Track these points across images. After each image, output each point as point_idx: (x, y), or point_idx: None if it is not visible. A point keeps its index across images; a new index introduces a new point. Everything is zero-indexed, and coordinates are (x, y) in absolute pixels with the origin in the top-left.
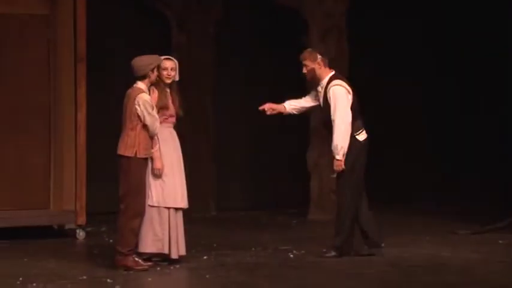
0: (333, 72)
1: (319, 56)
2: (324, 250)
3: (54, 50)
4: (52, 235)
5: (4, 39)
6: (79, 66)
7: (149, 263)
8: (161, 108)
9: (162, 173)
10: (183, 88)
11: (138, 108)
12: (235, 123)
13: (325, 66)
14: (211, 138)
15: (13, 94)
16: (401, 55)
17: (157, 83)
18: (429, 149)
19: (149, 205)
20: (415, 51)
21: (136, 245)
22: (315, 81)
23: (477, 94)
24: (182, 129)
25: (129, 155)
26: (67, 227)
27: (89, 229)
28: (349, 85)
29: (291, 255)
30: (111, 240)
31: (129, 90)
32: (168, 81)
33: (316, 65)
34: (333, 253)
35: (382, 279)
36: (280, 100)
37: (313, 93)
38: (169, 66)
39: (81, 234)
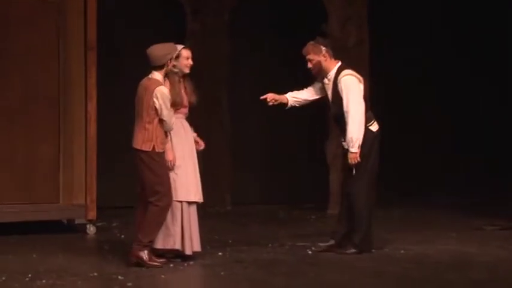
0: (340, 63)
1: (323, 48)
2: (321, 244)
3: (63, 37)
4: (61, 230)
5: (12, 26)
6: (89, 54)
7: (162, 260)
8: (175, 100)
9: (174, 165)
10: (196, 78)
11: (157, 102)
12: (251, 114)
13: (330, 58)
14: (226, 130)
15: (21, 83)
16: (422, 43)
17: (171, 73)
18: (455, 141)
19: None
20: (436, 40)
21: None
22: (321, 74)
23: (505, 85)
24: (195, 120)
25: (147, 149)
26: (77, 221)
27: (99, 224)
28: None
29: (309, 252)
30: (122, 236)
31: (145, 81)
32: (188, 70)
33: (321, 57)
34: (353, 250)
35: (404, 276)
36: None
37: (317, 85)
38: (189, 55)
39: (91, 229)
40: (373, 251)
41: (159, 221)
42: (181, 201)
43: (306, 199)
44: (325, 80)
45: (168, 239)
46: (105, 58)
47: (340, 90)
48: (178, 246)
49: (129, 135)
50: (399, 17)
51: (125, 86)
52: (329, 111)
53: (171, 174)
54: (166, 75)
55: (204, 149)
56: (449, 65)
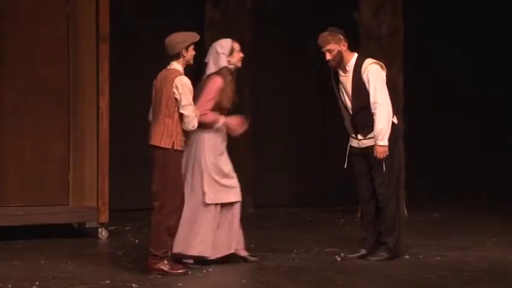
0: (357, 53)
1: (342, 37)
2: (342, 254)
3: (74, 28)
4: (71, 234)
5: (19, 17)
6: (101, 46)
7: (183, 267)
8: (221, 102)
9: (239, 129)
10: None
11: (177, 92)
12: (276, 111)
13: (348, 47)
14: (248, 127)
15: (28, 77)
16: (460, 36)
17: (224, 71)
18: (497, 141)
19: (204, 202)
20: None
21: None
22: (340, 67)
23: None
24: None
25: (166, 146)
26: (88, 225)
27: (111, 228)
28: None
29: (338, 258)
30: (136, 241)
31: (164, 72)
32: (240, 64)
33: (342, 47)
34: (385, 255)
35: (439, 285)
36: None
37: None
38: (239, 47)
39: (103, 233)
40: (406, 256)
41: (167, 228)
42: (219, 204)
43: (335, 201)
44: (341, 73)
45: (203, 245)
46: (119, 50)
47: (366, 80)
48: (208, 254)
49: (143, 132)
50: (439, 4)
51: (139, 80)
52: (340, 106)
53: (213, 178)
54: (216, 73)
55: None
56: (494, 61)
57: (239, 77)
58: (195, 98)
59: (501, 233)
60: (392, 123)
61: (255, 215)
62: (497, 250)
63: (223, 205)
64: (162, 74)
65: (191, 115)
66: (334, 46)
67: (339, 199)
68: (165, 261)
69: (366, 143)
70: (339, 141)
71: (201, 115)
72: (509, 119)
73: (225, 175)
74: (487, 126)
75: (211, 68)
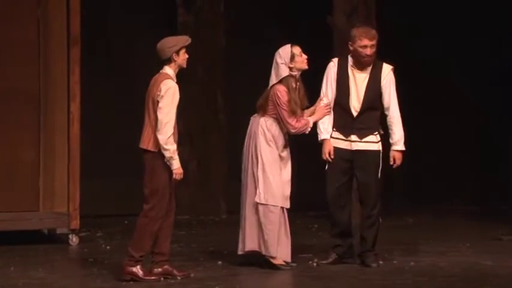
0: None
1: None
2: (316, 260)
3: (44, 30)
4: (42, 241)
5: None
6: (73, 50)
7: (158, 274)
8: (292, 108)
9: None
10: (189, 75)
11: (159, 95)
12: (250, 116)
13: None
14: (221, 131)
15: None
16: (440, 33)
17: (285, 78)
18: (474, 145)
19: (257, 203)
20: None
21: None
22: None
23: None
24: (188, 121)
25: (154, 149)
26: (59, 231)
27: (83, 234)
28: None
29: (314, 264)
30: (108, 247)
31: (155, 76)
32: (307, 66)
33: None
34: (379, 262)
35: None
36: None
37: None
38: (300, 50)
39: (74, 239)
40: (380, 262)
41: (151, 231)
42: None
43: (309, 207)
44: (357, 70)
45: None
46: (90, 53)
47: (385, 84)
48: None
49: (115, 137)
50: (412, 5)
51: (110, 84)
52: (334, 105)
53: (269, 177)
54: (281, 82)
55: (197, 152)
56: (470, 60)
57: (212, 81)
58: (261, 107)
59: (475, 238)
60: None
61: (227, 221)
62: (472, 255)
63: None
64: (153, 78)
65: (165, 124)
66: (376, 42)
67: (311, 205)
68: (139, 266)
69: (360, 145)
70: (310, 143)
71: (297, 128)
72: (487, 122)
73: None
74: (464, 129)
75: (272, 80)
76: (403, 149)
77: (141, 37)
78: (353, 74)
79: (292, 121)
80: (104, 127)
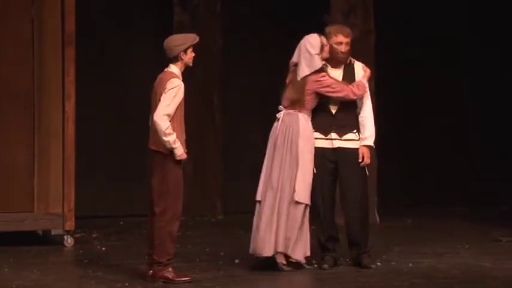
0: None
1: None
2: (314, 262)
3: (39, 30)
4: (36, 242)
5: None
6: (67, 50)
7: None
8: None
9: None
10: (186, 75)
11: (164, 93)
12: (246, 114)
13: None
14: (218, 131)
15: None
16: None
17: (324, 67)
18: (474, 146)
19: (296, 201)
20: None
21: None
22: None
23: None
24: (187, 122)
25: (165, 151)
26: (53, 232)
27: (78, 235)
28: None
29: (308, 266)
30: (103, 248)
31: (160, 74)
32: (329, 55)
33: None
34: (377, 263)
35: None
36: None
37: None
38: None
39: (69, 240)
40: (378, 263)
41: (169, 233)
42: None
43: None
44: (331, 68)
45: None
46: (85, 53)
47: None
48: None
49: (110, 137)
50: (411, 4)
51: (106, 83)
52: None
53: (308, 176)
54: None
55: (193, 152)
56: (470, 60)
57: (209, 81)
58: (297, 101)
59: (474, 240)
60: None
61: (224, 221)
62: (470, 257)
63: None
64: (158, 77)
65: (162, 121)
66: (350, 40)
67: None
68: (170, 269)
69: (341, 143)
70: None
71: (361, 92)
72: (487, 122)
73: None
74: (462, 131)
75: (304, 70)
76: (372, 144)
77: (136, 36)
78: (327, 71)
79: (352, 94)
80: (99, 127)
